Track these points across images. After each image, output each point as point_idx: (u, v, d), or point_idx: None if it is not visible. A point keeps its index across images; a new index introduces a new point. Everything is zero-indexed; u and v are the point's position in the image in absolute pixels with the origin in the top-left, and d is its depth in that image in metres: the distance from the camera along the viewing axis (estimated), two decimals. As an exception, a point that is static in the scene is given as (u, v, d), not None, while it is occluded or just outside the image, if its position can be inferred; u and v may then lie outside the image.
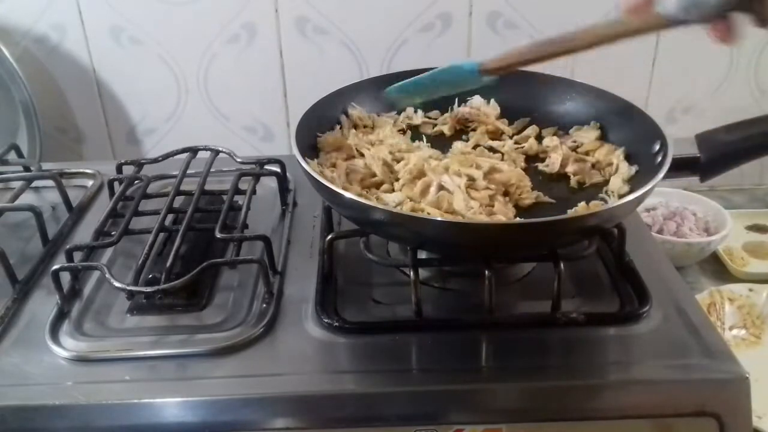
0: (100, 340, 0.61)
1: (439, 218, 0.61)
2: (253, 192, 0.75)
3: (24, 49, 1.05)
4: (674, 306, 0.62)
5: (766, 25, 0.52)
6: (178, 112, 1.10)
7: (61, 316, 0.63)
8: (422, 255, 0.64)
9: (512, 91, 0.80)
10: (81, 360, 0.58)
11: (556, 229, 0.58)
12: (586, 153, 0.75)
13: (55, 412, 0.54)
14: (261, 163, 0.82)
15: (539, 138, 0.80)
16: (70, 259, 0.65)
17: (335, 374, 0.57)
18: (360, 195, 0.67)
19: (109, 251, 0.72)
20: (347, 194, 0.59)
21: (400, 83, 0.77)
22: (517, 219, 0.65)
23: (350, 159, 0.74)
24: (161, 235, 0.69)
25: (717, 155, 0.68)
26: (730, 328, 0.88)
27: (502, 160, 0.74)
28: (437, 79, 0.73)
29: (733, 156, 0.68)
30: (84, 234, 0.76)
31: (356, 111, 0.80)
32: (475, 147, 0.78)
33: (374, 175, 0.71)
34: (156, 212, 0.73)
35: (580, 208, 0.66)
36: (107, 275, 0.61)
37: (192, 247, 0.68)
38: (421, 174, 0.69)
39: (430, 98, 0.81)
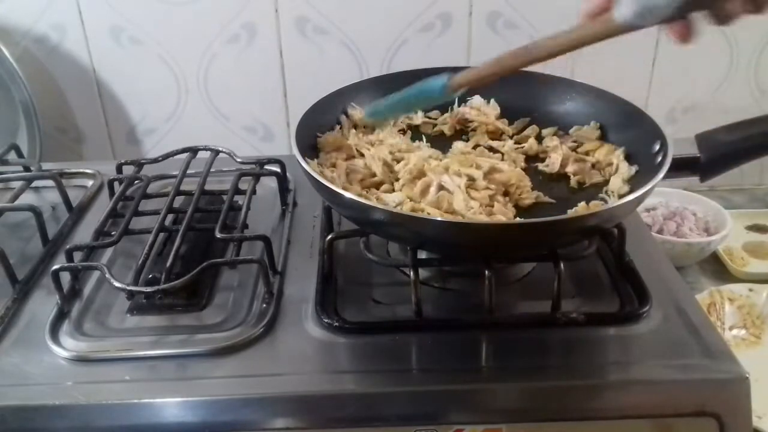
0: (100, 340, 0.61)
1: (439, 218, 0.61)
2: (253, 192, 0.75)
3: (24, 49, 1.05)
4: (674, 306, 0.62)
5: (723, 23, 0.53)
6: (178, 112, 1.10)
7: (61, 316, 0.63)
8: (422, 255, 0.64)
9: (512, 91, 0.80)
10: (81, 360, 0.58)
11: (556, 229, 0.58)
12: (586, 153, 0.75)
13: (55, 412, 0.54)
14: (261, 163, 0.82)
15: (539, 138, 0.80)
16: (70, 259, 0.65)
17: (335, 374, 0.57)
18: (360, 195, 0.67)
19: (109, 251, 0.72)
20: (347, 194, 0.59)
21: (375, 107, 0.76)
22: (517, 219, 0.65)
23: (350, 159, 0.74)
24: (161, 235, 0.69)
25: (717, 155, 0.68)
26: (730, 328, 0.88)
27: (502, 160, 0.74)
28: (410, 97, 0.73)
29: (733, 156, 0.68)
30: (84, 234, 0.76)
31: (356, 111, 0.80)
32: (475, 147, 0.78)
33: (374, 175, 0.71)
34: (156, 212, 0.73)
35: (580, 208, 0.66)
36: (107, 275, 0.61)
37: (192, 247, 0.68)
38: (421, 174, 0.69)
39: (405, 114, 0.81)
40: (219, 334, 0.60)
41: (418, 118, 0.84)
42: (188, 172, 0.79)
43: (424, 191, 0.67)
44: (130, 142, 1.13)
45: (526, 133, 0.80)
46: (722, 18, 0.52)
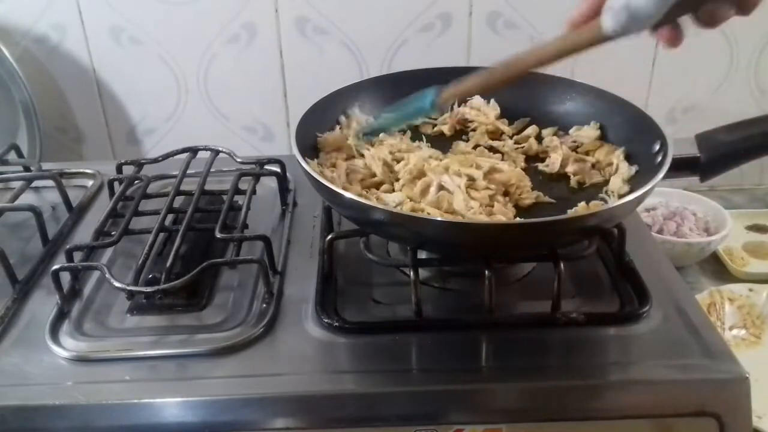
0: (100, 340, 0.61)
1: (439, 218, 0.61)
2: (253, 192, 0.75)
3: (24, 49, 1.05)
4: (674, 306, 0.62)
5: (709, 26, 0.53)
6: (178, 112, 1.10)
7: (61, 316, 0.63)
8: (422, 255, 0.64)
9: (512, 91, 0.80)
10: (81, 360, 0.58)
11: (556, 229, 0.58)
12: (586, 153, 0.75)
13: (55, 412, 0.54)
14: (261, 163, 0.82)
15: (539, 138, 0.80)
16: (70, 259, 0.65)
17: (335, 374, 0.57)
18: (360, 195, 0.67)
19: (109, 251, 0.72)
20: (347, 194, 0.59)
21: (370, 127, 0.75)
22: (517, 219, 0.65)
23: (350, 159, 0.74)
24: (161, 235, 0.69)
25: (717, 155, 0.68)
26: (730, 328, 0.88)
27: (503, 160, 0.74)
28: (401, 114, 0.73)
29: (733, 156, 0.68)
30: (84, 234, 0.76)
31: (355, 115, 0.80)
32: (475, 147, 0.78)
33: (374, 175, 0.71)
34: (156, 212, 0.73)
35: (580, 208, 0.66)
36: (107, 275, 0.61)
37: (192, 247, 0.68)
38: (421, 174, 0.69)
39: (397, 129, 0.80)
40: (219, 334, 0.60)
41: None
42: (188, 172, 0.79)
43: (424, 191, 0.67)
44: (130, 142, 1.13)
45: (526, 133, 0.80)
46: (708, 21, 0.52)
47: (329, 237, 0.67)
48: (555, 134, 0.80)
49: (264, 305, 0.63)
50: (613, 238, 0.68)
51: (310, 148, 0.74)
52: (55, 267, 0.63)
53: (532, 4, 1.01)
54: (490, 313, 0.60)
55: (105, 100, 1.09)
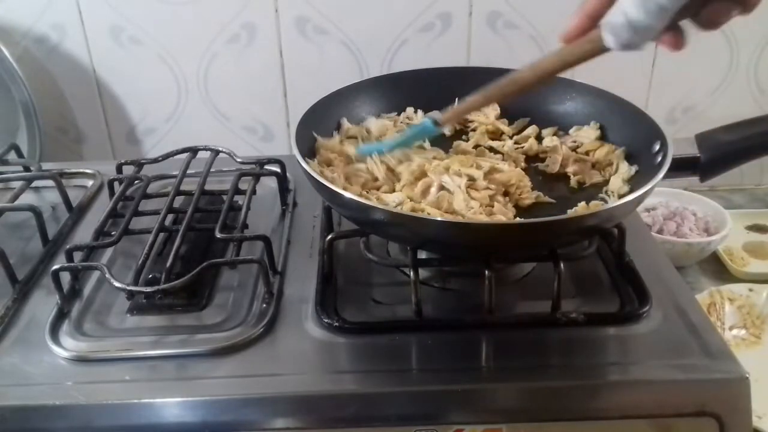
0: (100, 340, 0.61)
1: (439, 218, 0.61)
2: (253, 192, 0.75)
3: (24, 49, 1.05)
4: (674, 306, 0.62)
5: (710, 28, 0.53)
6: (178, 112, 1.10)
7: (61, 316, 0.63)
8: (422, 255, 0.64)
9: (512, 91, 0.80)
10: (81, 360, 0.58)
11: (555, 229, 0.58)
12: (586, 153, 0.75)
13: (55, 412, 0.54)
14: (261, 163, 0.82)
15: (539, 138, 0.80)
16: (70, 259, 0.65)
17: (335, 374, 0.57)
18: (360, 195, 0.67)
19: (109, 251, 0.72)
20: (347, 194, 0.59)
21: (369, 148, 0.74)
22: (517, 219, 0.65)
23: (349, 164, 0.73)
24: (161, 235, 0.69)
25: (717, 155, 0.68)
26: (730, 328, 0.88)
27: (503, 160, 0.74)
28: (404, 141, 0.73)
29: (733, 156, 0.68)
30: (84, 234, 0.76)
31: (348, 125, 0.80)
32: (475, 147, 0.78)
33: (376, 178, 0.70)
34: (156, 212, 0.73)
35: (580, 208, 0.66)
36: (107, 275, 0.61)
37: (192, 247, 0.68)
38: (423, 175, 0.69)
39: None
40: (219, 334, 0.60)
41: (418, 118, 0.84)
42: (188, 172, 0.79)
43: (425, 191, 0.67)
44: (130, 142, 1.13)
45: (526, 133, 0.80)
46: (709, 23, 0.52)
47: (329, 237, 0.67)
48: (555, 134, 0.80)
49: (264, 305, 0.63)
50: (613, 238, 0.68)
51: (310, 148, 0.74)
52: (55, 267, 0.63)
53: (532, 4, 1.01)
54: (490, 313, 0.60)
55: (105, 100, 1.09)
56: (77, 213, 0.80)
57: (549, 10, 1.00)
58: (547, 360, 0.59)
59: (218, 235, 0.66)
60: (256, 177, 0.78)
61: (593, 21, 0.56)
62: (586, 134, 0.77)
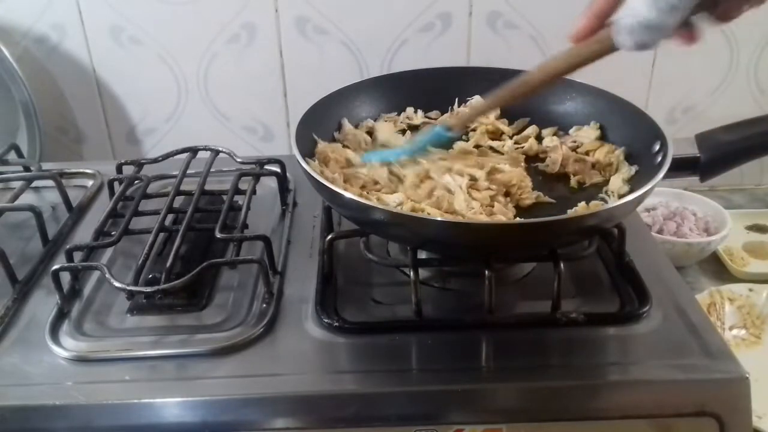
0: (100, 340, 0.61)
1: (439, 218, 0.61)
2: (253, 192, 0.75)
3: (24, 49, 1.05)
4: (674, 306, 0.62)
5: (724, 21, 0.52)
6: (178, 112, 1.10)
7: (61, 316, 0.63)
8: (422, 255, 0.64)
9: (512, 91, 0.80)
10: (81, 360, 0.58)
11: (556, 229, 0.58)
12: (586, 153, 0.75)
13: (55, 412, 0.54)
14: (261, 163, 0.82)
15: (539, 138, 0.80)
16: (70, 259, 0.65)
17: (335, 374, 0.57)
18: (360, 195, 0.67)
19: (109, 251, 0.72)
20: (347, 194, 0.59)
21: (378, 155, 0.72)
22: (517, 219, 0.65)
23: (347, 167, 0.73)
24: (161, 235, 0.69)
25: (717, 155, 0.68)
26: (730, 328, 0.88)
27: (506, 160, 0.74)
28: (415, 148, 0.72)
29: (733, 156, 0.68)
30: (84, 234, 0.76)
31: (349, 126, 0.80)
32: (476, 147, 0.78)
33: (377, 182, 0.70)
34: (156, 212, 0.73)
35: (580, 208, 0.66)
36: (107, 275, 0.61)
37: (192, 247, 0.68)
38: (428, 177, 0.68)
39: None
40: (219, 334, 0.60)
41: (418, 118, 0.84)
42: (188, 172, 0.79)
43: (430, 194, 0.66)
44: (130, 142, 1.13)
45: (526, 133, 0.80)
46: (723, 17, 0.52)
47: (329, 237, 0.67)
48: (555, 134, 0.80)
49: (264, 305, 0.63)
50: (613, 238, 0.68)
51: (310, 148, 0.74)
52: (55, 267, 0.63)
53: (532, 4, 1.01)
54: (490, 313, 0.60)
55: (105, 100, 1.09)
56: (77, 213, 0.80)
57: (549, 10, 1.00)
58: (547, 360, 0.59)
59: (218, 235, 0.66)
60: (256, 177, 0.78)
61: (601, 21, 0.55)
62: (586, 134, 0.77)
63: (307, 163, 0.65)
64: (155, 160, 0.82)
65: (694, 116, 1.10)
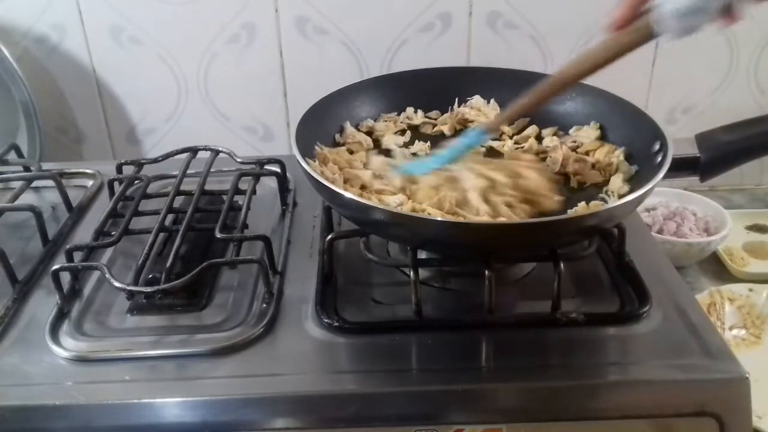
0: (100, 340, 0.61)
1: (439, 218, 0.61)
2: (253, 192, 0.75)
3: (24, 49, 1.05)
4: (674, 306, 0.62)
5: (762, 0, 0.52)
6: (178, 112, 1.10)
7: (61, 316, 0.63)
8: (422, 255, 0.64)
9: (512, 91, 0.80)
10: (81, 360, 0.58)
11: (555, 229, 0.58)
12: (586, 153, 0.75)
13: (55, 412, 0.54)
14: (261, 163, 0.82)
15: (539, 138, 0.80)
16: (70, 259, 0.65)
17: (335, 374, 0.57)
18: (360, 195, 0.67)
19: (109, 251, 0.72)
20: (347, 194, 0.59)
21: (413, 167, 0.70)
22: (517, 219, 0.65)
23: (346, 168, 0.73)
24: (161, 235, 0.69)
25: (717, 155, 0.68)
26: (730, 328, 0.88)
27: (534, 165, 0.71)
28: (454, 154, 0.70)
29: (733, 156, 0.68)
30: (84, 234, 0.76)
31: (351, 129, 0.80)
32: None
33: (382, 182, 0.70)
34: (156, 212, 0.73)
35: (580, 208, 0.66)
36: (107, 275, 0.61)
37: (192, 247, 0.68)
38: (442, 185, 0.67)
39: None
40: (219, 334, 0.60)
41: (418, 118, 0.84)
42: (188, 172, 0.79)
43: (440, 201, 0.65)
44: (130, 142, 1.13)
45: (526, 133, 0.80)
46: None
47: (329, 237, 0.67)
48: (555, 134, 0.80)
49: (264, 305, 0.63)
50: (613, 238, 0.68)
51: (310, 148, 0.74)
52: (55, 267, 0.63)
53: (532, 4, 1.01)
54: (490, 313, 0.60)
55: (105, 100, 1.09)
56: (77, 213, 0.80)
57: (549, 10, 1.00)
58: (547, 360, 0.59)
59: (218, 235, 0.66)
60: (256, 177, 0.78)
61: (636, 10, 0.55)
62: (586, 134, 0.77)
63: (307, 163, 0.65)
64: (155, 160, 0.82)
65: (694, 116, 1.10)
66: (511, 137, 0.80)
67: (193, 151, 0.83)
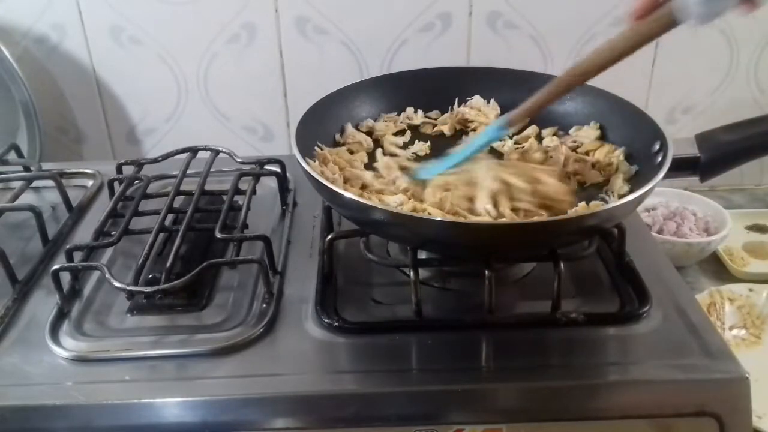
0: (100, 340, 0.61)
1: (439, 218, 0.61)
2: (253, 192, 0.75)
3: (24, 49, 1.05)
4: (674, 306, 0.62)
5: None
6: (178, 112, 1.10)
7: (61, 316, 0.63)
8: (422, 255, 0.64)
9: (512, 91, 0.80)
10: (81, 360, 0.58)
11: (555, 229, 0.58)
12: (586, 153, 0.75)
13: (55, 412, 0.54)
14: (261, 163, 0.82)
15: (539, 138, 0.80)
16: (70, 259, 0.65)
17: (335, 374, 0.57)
18: (360, 195, 0.67)
19: (109, 251, 0.72)
20: (347, 194, 0.59)
21: (431, 169, 0.70)
22: (517, 219, 0.65)
23: (345, 168, 0.73)
24: (161, 235, 0.69)
25: (717, 155, 0.68)
26: (730, 328, 0.88)
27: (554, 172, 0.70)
28: (475, 149, 0.70)
29: (733, 156, 0.68)
30: (84, 234, 0.76)
31: (351, 130, 0.80)
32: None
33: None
34: (156, 212, 0.73)
35: (580, 208, 0.66)
36: (107, 275, 0.61)
37: (192, 247, 0.68)
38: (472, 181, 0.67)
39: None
40: (219, 334, 0.60)
41: (418, 118, 0.84)
42: (188, 172, 0.79)
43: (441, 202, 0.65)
44: (130, 142, 1.13)
45: (526, 133, 0.80)
46: None
47: (329, 237, 0.67)
48: (555, 134, 0.80)
49: (264, 305, 0.63)
50: (613, 238, 0.68)
51: (310, 148, 0.74)
52: (55, 267, 0.63)
53: (532, 4, 1.01)
54: (490, 313, 0.60)
55: (105, 100, 1.09)
56: (77, 213, 0.80)
57: (549, 10, 1.00)
58: (547, 360, 0.59)
59: (218, 235, 0.66)
60: (256, 177, 0.78)
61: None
62: (586, 134, 0.77)
63: (307, 163, 0.65)
64: (155, 160, 0.82)
65: (694, 116, 1.10)
66: (511, 137, 0.80)
67: (193, 151, 0.83)
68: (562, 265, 0.60)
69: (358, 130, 0.81)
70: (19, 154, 0.92)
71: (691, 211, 1.01)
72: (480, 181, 0.65)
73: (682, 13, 0.54)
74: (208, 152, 0.82)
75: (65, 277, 0.65)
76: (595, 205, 0.66)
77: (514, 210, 0.64)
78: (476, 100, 0.84)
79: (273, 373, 0.56)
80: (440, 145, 0.77)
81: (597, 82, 0.77)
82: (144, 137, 1.13)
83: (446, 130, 0.83)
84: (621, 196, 0.67)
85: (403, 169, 0.72)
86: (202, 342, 0.59)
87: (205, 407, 0.54)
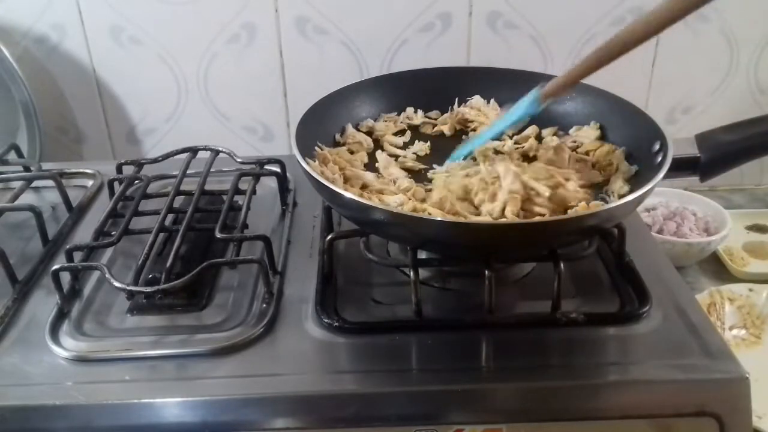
0: (100, 340, 0.61)
1: (439, 218, 0.61)
2: (253, 192, 0.75)
3: (24, 49, 1.05)
4: (674, 306, 0.62)
5: None
6: (178, 112, 1.10)
7: (61, 316, 0.63)
8: (422, 255, 0.64)
9: (512, 91, 0.80)
10: (81, 360, 0.58)
11: (555, 229, 0.58)
12: (586, 153, 0.75)
13: (55, 412, 0.54)
14: (261, 163, 0.82)
15: (539, 138, 0.80)
16: (70, 259, 0.65)
17: (335, 374, 0.57)
18: (360, 195, 0.67)
19: (109, 251, 0.72)
20: (347, 194, 0.59)
21: (463, 150, 0.73)
22: (517, 219, 0.65)
23: (345, 169, 0.73)
24: (161, 235, 0.69)
25: (717, 155, 0.68)
26: (730, 328, 0.88)
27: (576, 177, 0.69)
28: (508, 123, 0.70)
29: (733, 156, 0.68)
30: (84, 234, 0.76)
31: (352, 130, 0.80)
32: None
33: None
34: (156, 212, 0.73)
35: (580, 208, 0.66)
36: (107, 275, 0.61)
37: (192, 247, 0.68)
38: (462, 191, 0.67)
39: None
40: (219, 334, 0.60)
41: (418, 118, 0.84)
42: (188, 172, 0.79)
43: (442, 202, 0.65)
44: (130, 142, 1.13)
45: (526, 132, 0.80)
46: None
47: (329, 237, 0.67)
48: (555, 134, 0.80)
49: (264, 305, 0.63)
50: (613, 238, 0.68)
51: (310, 148, 0.74)
52: (55, 267, 0.63)
53: (532, 4, 1.01)
54: (490, 313, 0.60)
55: (105, 100, 1.09)
56: (77, 213, 0.80)
57: (549, 10, 1.00)
58: (547, 360, 0.59)
59: (218, 235, 0.66)
60: (256, 177, 0.78)
61: None
62: (586, 134, 0.77)
63: (307, 163, 0.65)
64: (155, 160, 0.82)
65: (694, 116, 1.10)
66: (511, 137, 0.80)
67: (193, 151, 0.83)
68: (562, 265, 0.60)
69: (358, 130, 0.81)
70: (19, 154, 0.92)
71: (691, 211, 1.01)
72: (502, 182, 0.65)
73: None
74: (208, 152, 0.82)
75: (65, 277, 0.65)
76: (595, 205, 0.66)
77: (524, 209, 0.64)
78: (476, 100, 0.84)
79: (273, 373, 0.56)
80: (440, 145, 0.77)
81: (597, 82, 0.77)
82: (144, 137, 1.13)
83: (446, 130, 0.83)
84: (621, 196, 0.66)
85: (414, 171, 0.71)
86: (202, 342, 0.59)
87: (205, 407, 0.54)
